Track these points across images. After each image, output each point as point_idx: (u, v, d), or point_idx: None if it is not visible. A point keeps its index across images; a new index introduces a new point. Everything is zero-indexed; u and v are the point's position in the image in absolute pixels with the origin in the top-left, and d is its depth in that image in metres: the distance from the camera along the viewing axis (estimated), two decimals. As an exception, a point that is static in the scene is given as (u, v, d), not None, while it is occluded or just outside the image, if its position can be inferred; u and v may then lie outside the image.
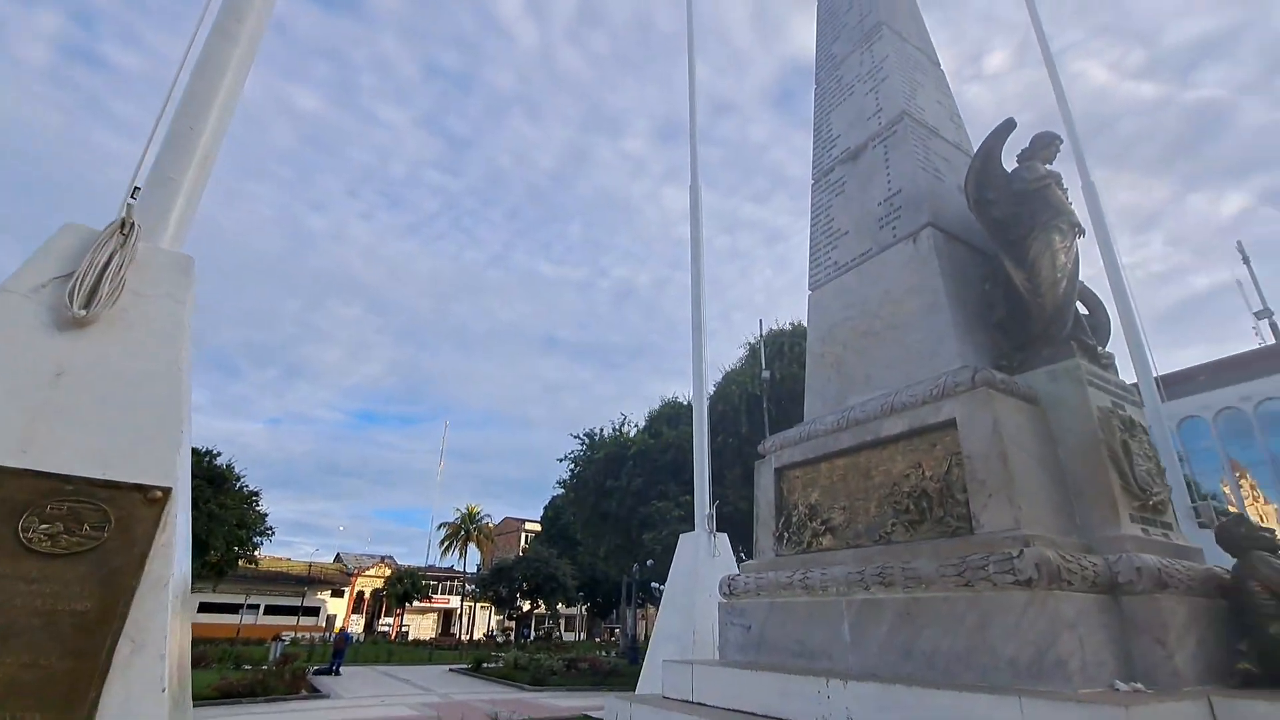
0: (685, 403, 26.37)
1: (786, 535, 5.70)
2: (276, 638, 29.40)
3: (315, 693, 16.37)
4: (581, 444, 25.41)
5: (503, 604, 49.23)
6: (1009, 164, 5.88)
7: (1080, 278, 5.91)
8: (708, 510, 9.59)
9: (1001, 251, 5.53)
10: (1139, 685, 3.44)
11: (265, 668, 18.66)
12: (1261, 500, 32.18)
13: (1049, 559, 3.64)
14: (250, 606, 51.11)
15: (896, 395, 5.08)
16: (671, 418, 25.52)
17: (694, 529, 10.07)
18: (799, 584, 5.07)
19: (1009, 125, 5.95)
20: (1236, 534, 4.27)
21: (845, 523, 5.19)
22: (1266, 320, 16.37)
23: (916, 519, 4.62)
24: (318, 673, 21.34)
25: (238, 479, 33.46)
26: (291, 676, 16.76)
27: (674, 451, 22.64)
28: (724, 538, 9.66)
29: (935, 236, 5.71)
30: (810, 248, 7.08)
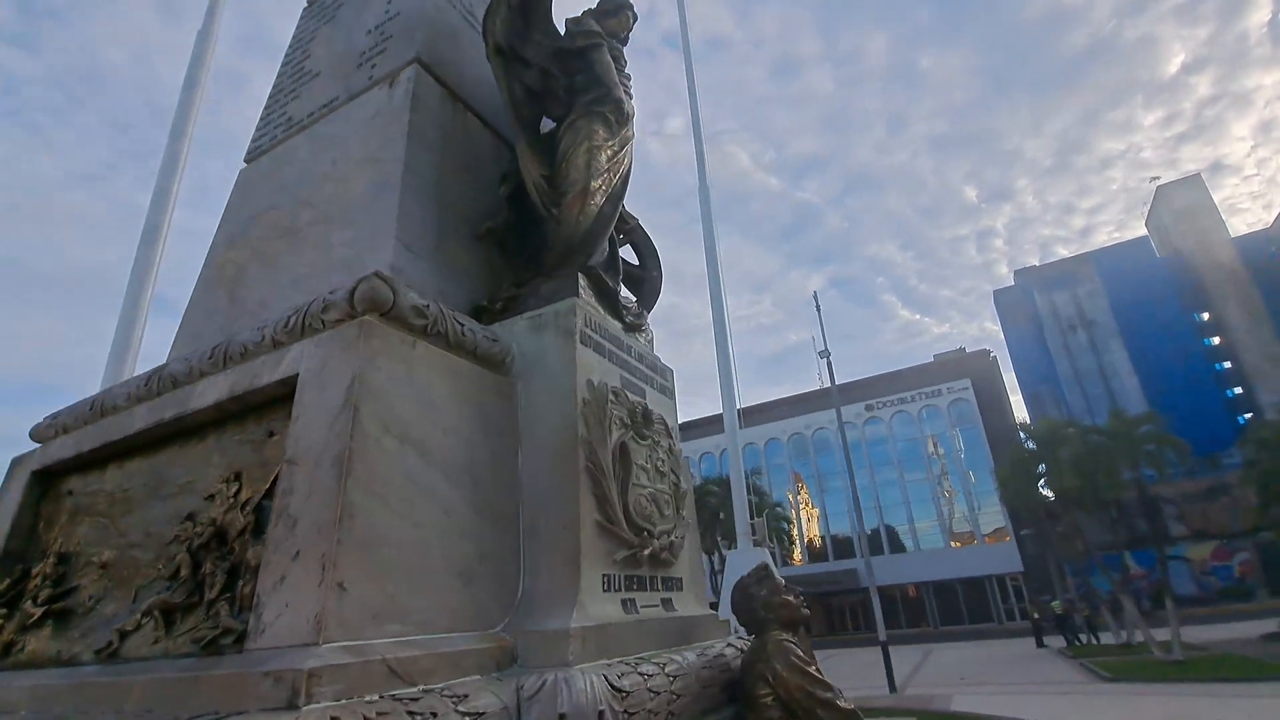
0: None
1: None
2: None
3: None
4: None
5: None
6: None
7: (665, 268, 4.25)
8: None
9: (521, 132, 3.42)
10: None
11: None
12: (809, 504, 41.13)
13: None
14: None
15: (238, 336, 2.45)
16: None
17: None
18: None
19: (567, -46, 3.96)
20: (755, 599, 2.65)
21: (95, 599, 2.35)
22: (826, 360, 19.52)
23: (183, 602, 2.01)
24: None
25: None
26: None
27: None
28: None
29: (422, 82, 3.33)
30: (268, 97, 4.18)
